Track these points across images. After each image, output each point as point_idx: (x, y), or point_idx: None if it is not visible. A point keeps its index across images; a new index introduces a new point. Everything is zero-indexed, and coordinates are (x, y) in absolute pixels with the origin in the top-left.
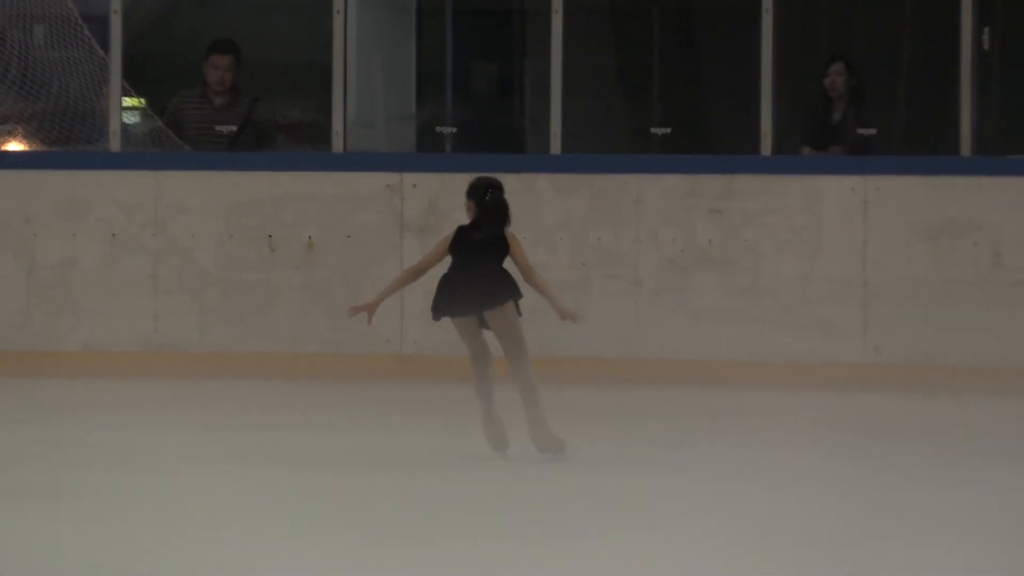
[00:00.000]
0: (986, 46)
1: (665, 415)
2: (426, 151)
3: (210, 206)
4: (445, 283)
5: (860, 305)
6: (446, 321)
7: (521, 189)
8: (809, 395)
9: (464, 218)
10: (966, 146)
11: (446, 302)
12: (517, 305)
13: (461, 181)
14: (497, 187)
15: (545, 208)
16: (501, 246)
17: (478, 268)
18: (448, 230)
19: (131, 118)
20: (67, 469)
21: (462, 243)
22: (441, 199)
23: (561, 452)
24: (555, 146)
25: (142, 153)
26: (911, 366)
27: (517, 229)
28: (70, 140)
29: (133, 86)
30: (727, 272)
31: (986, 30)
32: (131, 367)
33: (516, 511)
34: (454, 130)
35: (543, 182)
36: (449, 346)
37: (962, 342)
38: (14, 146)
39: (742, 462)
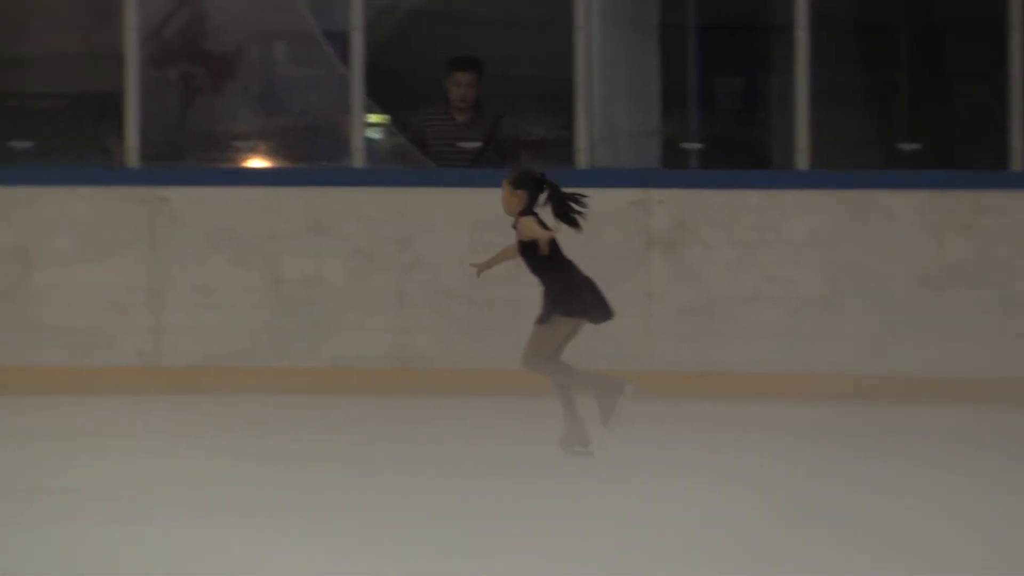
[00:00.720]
0: None
1: (916, 432)
2: (671, 167)
3: (455, 222)
4: (585, 284)
5: None
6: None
7: (767, 205)
8: None
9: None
10: None
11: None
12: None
13: (707, 197)
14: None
15: (792, 224)
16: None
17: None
18: (693, 247)
19: (375, 134)
20: (302, 487)
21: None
22: (687, 215)
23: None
24: (802, 161)
25: (387, 170)
26: None
27: (763, 245)
28: (312, 157)
29: (376, 102)
30: (979, 288)
31: None
32: (377, 383)
33: None
34: (699, 146)
35: (789, 198)
36: (696, 362)
37: None
38: (257, 163)
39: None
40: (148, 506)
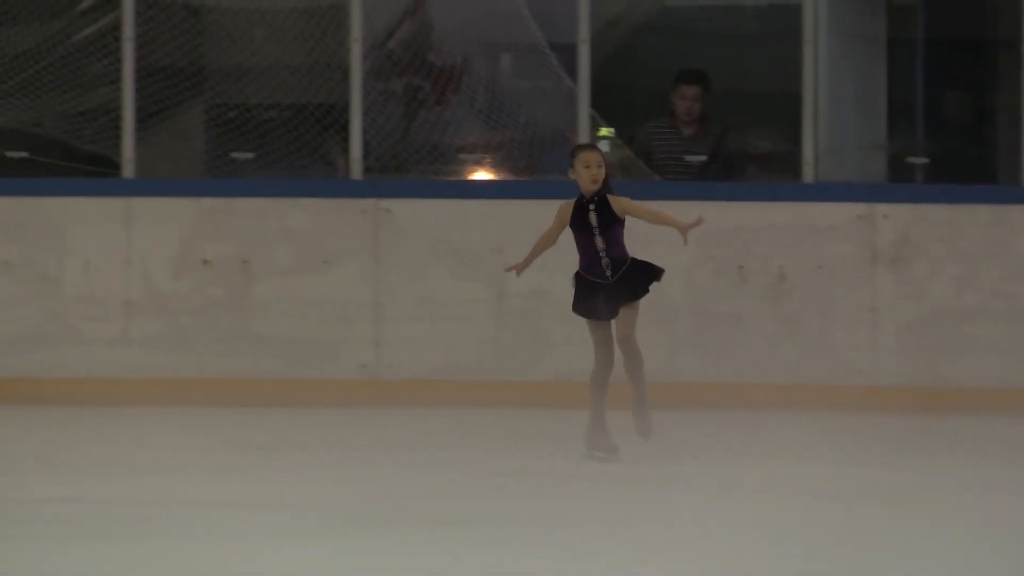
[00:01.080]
0: None
1: None
2: (897, 181)
3: (680, 237)
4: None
5: None
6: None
7: (993, 220)
8: None
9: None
10: None
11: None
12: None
13: (934, 212)
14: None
15: (1018, 239)
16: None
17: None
18: (918, 261)
19: (601, 147)
20: (501, 497)
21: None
22: (913, 230)
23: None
24: None
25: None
26: None
27: (988, 260)
28: (538, 169)
29: (602, 115)
30: None
31: None
32: None
33: None
34: (926, 160)
35: (1016, 213)
36: (921, 378)
37: None
38: (482, 175)
39: None
40: (368, 521)
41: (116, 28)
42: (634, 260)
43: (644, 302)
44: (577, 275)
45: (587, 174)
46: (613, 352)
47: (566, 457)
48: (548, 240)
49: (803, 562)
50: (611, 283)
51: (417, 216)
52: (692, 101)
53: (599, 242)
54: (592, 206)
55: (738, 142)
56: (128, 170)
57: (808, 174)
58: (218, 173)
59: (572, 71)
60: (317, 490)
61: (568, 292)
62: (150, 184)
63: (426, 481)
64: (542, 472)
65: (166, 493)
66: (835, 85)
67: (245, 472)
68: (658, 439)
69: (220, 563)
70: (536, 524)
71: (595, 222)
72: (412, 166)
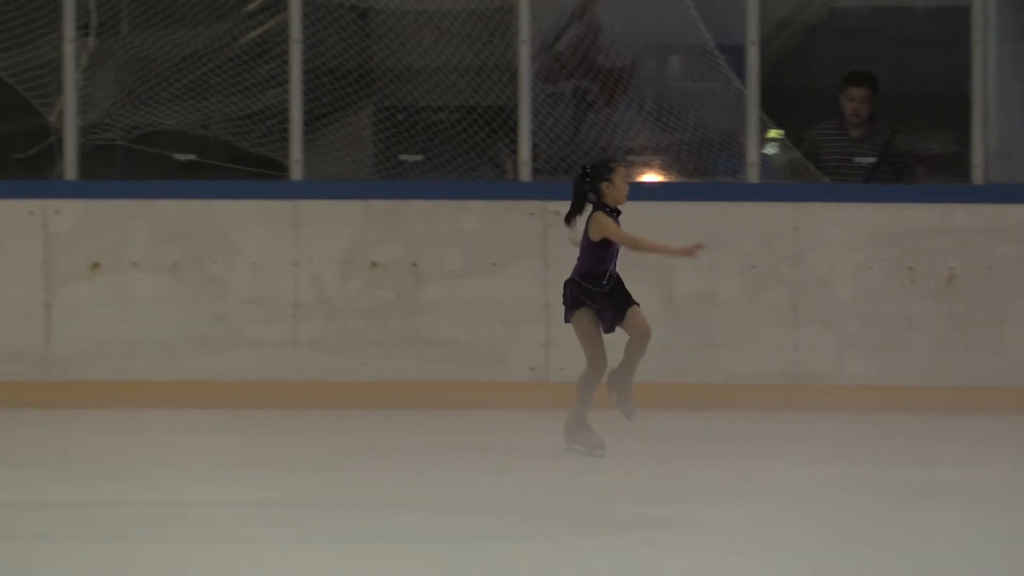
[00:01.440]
0: None
1: None
2: None
3: (849, 238)
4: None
5: None
6: None
7: None
8: None
9: None
10: None
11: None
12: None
13: None
14: (581, 172)
15: None
16: (587, 230)
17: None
18: None
19: (770, 149)
20: (679, 501)
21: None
22: None
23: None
24: None
25: (780, 184)
26: None
27: None
28: (707, 171)
29: (770, 117)
30: None
31: None
32: (769, 400)
33: None
34: None
35: None
36: None
37: None
38: (651, 177)
39: None
40: (545, 523)
41: (284, 30)
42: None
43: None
44: (582, 286)
45: (625, 189)
46: (607, 355)
47: (744, 460)
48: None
49: None
50: (607, 292)
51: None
52: (860, 103)
53: (617, 254)
54: (618, 218)
55: (907, 144)
56: (296, 172)
57: (978, 176)
58: (386, 176)
59: (741, 73)
60: (493, 492)
61: (738, 295)
62: (318, 186)
63: (601, 484)
64: (715, 476)
65: (334, 495)
66: (1005, 86)
67: (420, 474)
68: (812, 442)
69: (412, 566)
70: (713, 528)
71: None
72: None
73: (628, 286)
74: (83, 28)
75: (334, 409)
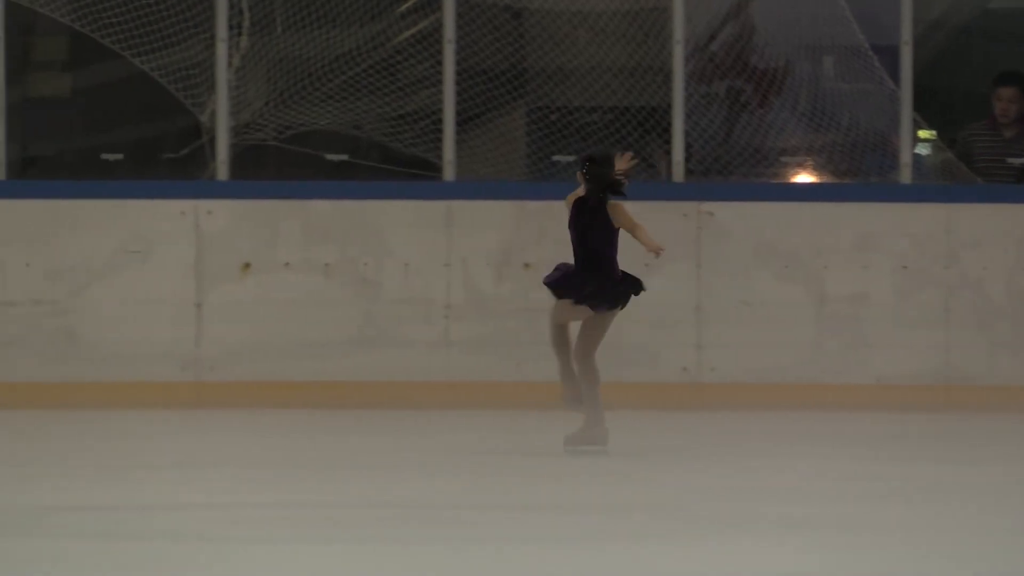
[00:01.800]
0: None
1: None
2: None
3: (1002, 239)
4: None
5: None
6: None
7: None
8: None
9: None
10: None
11: (566, 284)
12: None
13: None
14: (594, 158)
15: None
16: (605, 218)
17: (587, 252)
18: None
19: (922, 150)
20: (840, 502)
21: (577, 218)
22: None
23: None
24: None
25: (933, 185)
26: None
27: None
28: (860, 172)
29: (923, 118)
30: None
31: None
32: (921, 401)
33: None
34: None
35: None
36: None
37: None
38: (804, 178)
39: None
40: (709, 523)
41: (437, 30)
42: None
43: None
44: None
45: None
46: None
47: (892, 461)
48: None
49: None
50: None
51: (739, 219)
52: (1009, 103)
53: None
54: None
55: None
56: (448, 173)
57: None
58: (539, 176)
59: (894, 73)
60: (648, 493)
61: (889, 296)
62: (471, 187)
63: (760, 484)
64: (880, 476)
65: (489, 496)
66: None
67: (575, 477)
68: (965, 442)
69: (571, 567)
70: (883, 528)
71: None
72: (734, 169)
73: (779, 287)
74: (235, 28)
75: (486, 410)
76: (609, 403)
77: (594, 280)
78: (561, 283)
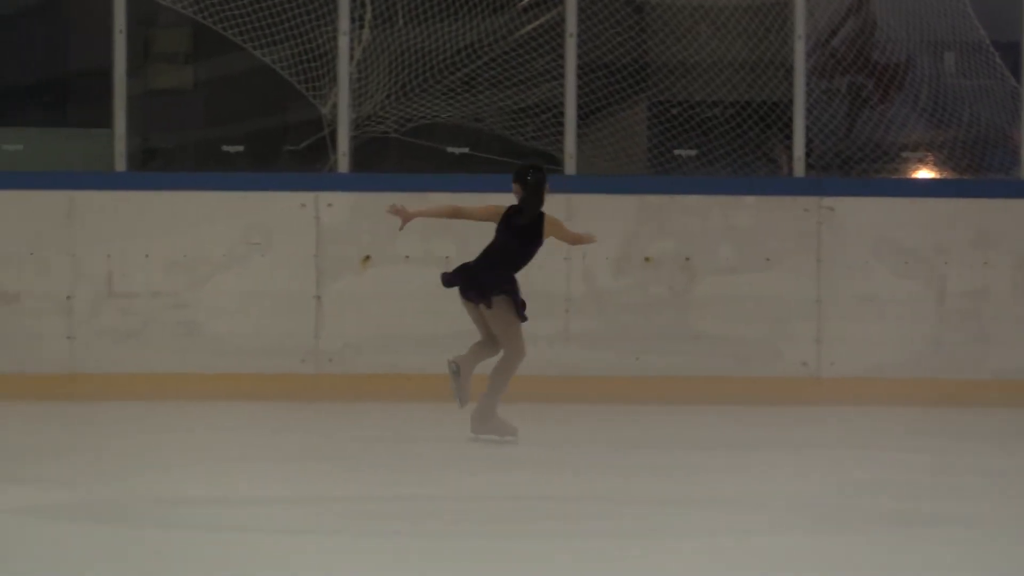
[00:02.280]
0: None
1: None
2: None
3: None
4: (478, 262)
5: None
6: None
7: None
8: None
9: None
10: None
11: (464, 280)
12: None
13: None
14: (538, 170)
15: None
16: (538, 230)
17: (509, 256)
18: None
19: None
20: (963, 497)
21: (507, 225)
22: None
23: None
24: None
25: None
26: None
27: None
28: (980, 168)
29: None
30: None
31: None
32: None
33: None
34: None
35: None
36: None
37: None
38: (924, 174)
39: None
40: (829, 518)
41: (559, 24)
42: None
43: None
44: (505, 276)
45: None
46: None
47: (995, 456)
48: (480, 215)
49: None
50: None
51: (859, 214)
52: None
53: None
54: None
55: None
56: (569, 167)
57: None
58: (660, 170)
59: (1016, 70)
60: (770, 487)
61: (1009, 291)
62: (591, 181)
63: (877, 479)
64: (1004, 472)
65: (618, 493)
66: None
67: (692, 469)
68: None
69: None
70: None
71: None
72: (855, 164)
73: (899, 283)
74: (358, 21)
75: (606, 403)
76: (728, 398)
77: (487, 275)
78: (454, 280)
